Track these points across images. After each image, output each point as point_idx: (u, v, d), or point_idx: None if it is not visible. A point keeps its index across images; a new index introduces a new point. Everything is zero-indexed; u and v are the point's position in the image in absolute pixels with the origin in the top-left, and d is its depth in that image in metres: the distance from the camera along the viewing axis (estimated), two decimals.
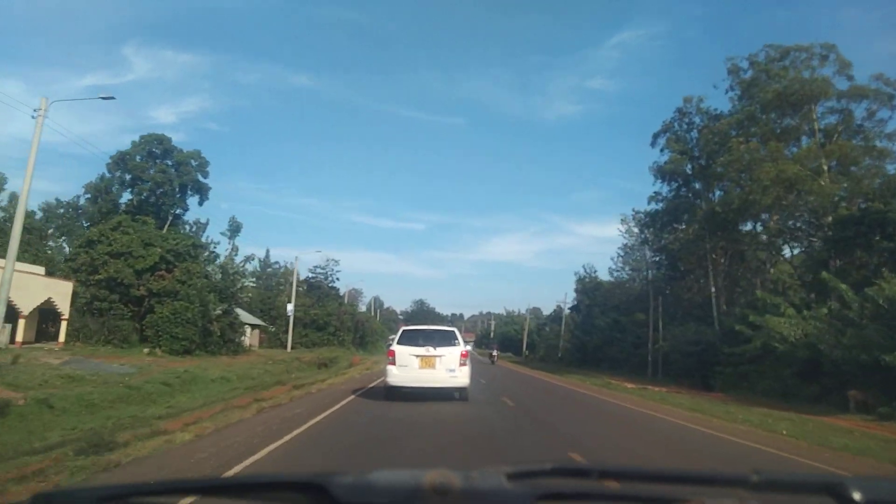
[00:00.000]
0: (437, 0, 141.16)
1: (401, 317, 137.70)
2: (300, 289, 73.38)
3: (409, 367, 14.45)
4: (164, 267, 37.54)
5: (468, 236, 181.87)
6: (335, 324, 59.06)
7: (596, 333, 56.32)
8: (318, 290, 68.38)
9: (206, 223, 55.11)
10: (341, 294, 74.04)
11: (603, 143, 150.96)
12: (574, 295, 76.55)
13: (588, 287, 72.34)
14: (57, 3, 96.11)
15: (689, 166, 41.64)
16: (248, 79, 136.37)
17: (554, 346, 73.62)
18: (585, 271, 75.25)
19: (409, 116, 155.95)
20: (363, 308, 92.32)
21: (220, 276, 42.25)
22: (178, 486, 1.33)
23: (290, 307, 53.27)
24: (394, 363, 14.58)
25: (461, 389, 15.04)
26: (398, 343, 14.97)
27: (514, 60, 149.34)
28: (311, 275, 68.98)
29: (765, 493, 1.20)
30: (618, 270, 66.92)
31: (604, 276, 72.25)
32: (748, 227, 38.61)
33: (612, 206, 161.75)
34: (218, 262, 48.20)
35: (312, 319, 58.37)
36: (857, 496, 1.10)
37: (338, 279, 71.25)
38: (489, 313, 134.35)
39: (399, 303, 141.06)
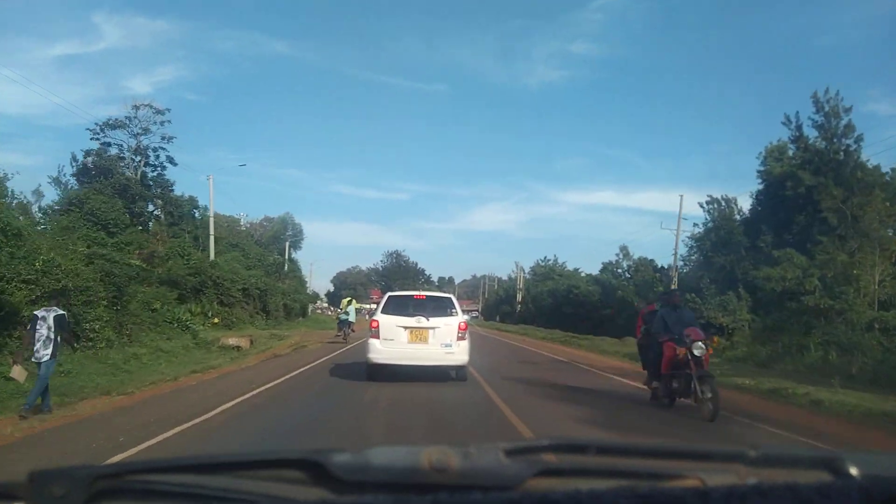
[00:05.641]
0: None
1: (372, 277, 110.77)
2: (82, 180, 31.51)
3: (395, 340, 12.27)
4: None
5: (453, 205, 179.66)
6: None
7: None
8: (113, 177, 31.67)
9: None
10: (172, 187, 35.25)
11: (587, 110, 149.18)
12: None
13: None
14: None
15: None
16: (225, 46, 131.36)
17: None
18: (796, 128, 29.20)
19: (390, 83, 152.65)
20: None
21: None
22: (173, 464, 1.32)
23: None
24: (377, 336, 12.33)
25: (458, 368, 12.82)
26: (382, 312, 12.68)
27: (495, 25, 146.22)
28: (95, 136, 31.40)
29: (762, 469, 1.20)
30: None
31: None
32: None
33: (596, 173, 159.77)
34: None
35: None
36: (853, 471, 1.11)
37: (173, 162, 33.49)
38: (485, 276, 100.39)
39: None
